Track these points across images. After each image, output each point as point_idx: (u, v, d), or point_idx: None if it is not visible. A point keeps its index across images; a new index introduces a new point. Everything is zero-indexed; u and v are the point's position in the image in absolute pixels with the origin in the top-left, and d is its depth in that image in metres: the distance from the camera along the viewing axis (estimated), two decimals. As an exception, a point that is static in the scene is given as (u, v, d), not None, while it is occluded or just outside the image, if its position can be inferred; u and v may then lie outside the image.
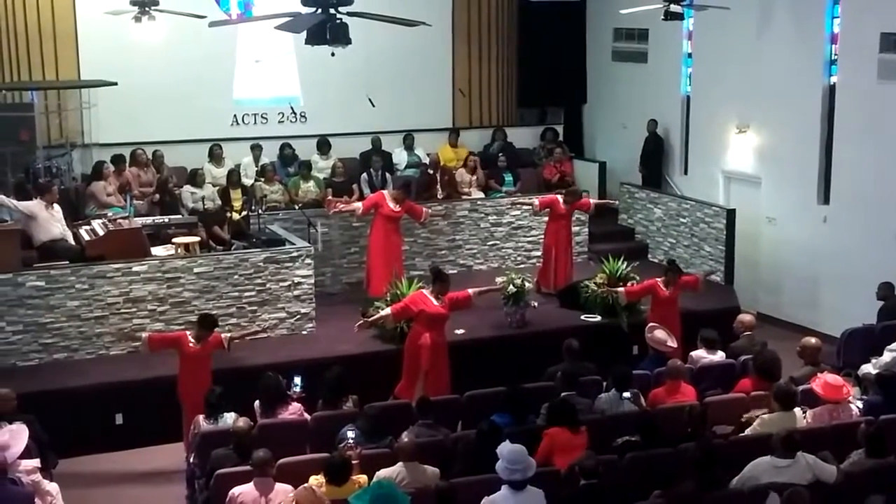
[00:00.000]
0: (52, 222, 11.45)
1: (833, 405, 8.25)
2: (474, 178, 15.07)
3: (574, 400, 8.41)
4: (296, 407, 8.62)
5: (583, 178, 16.03)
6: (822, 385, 8.30)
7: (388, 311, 10.11)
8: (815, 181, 13.14)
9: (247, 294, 11.24)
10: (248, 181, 14.33)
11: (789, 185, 13.49)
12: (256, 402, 8.62)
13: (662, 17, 13.15)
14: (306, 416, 8.62)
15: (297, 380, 8.89)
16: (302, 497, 6.66)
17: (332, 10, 9.26)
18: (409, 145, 15.83)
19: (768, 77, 13.58)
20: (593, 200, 13.50)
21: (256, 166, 14.65)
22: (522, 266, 13.78)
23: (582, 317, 11.91)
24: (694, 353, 9.87)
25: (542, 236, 13.22)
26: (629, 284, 11.59)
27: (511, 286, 11.47)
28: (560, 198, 12.76)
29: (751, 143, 14.06)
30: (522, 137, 16.75)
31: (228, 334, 9.77)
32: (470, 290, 10.22)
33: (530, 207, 13.30)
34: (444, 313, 10.02)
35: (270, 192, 13.91)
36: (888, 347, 9.64)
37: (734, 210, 13.55)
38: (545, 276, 12.75)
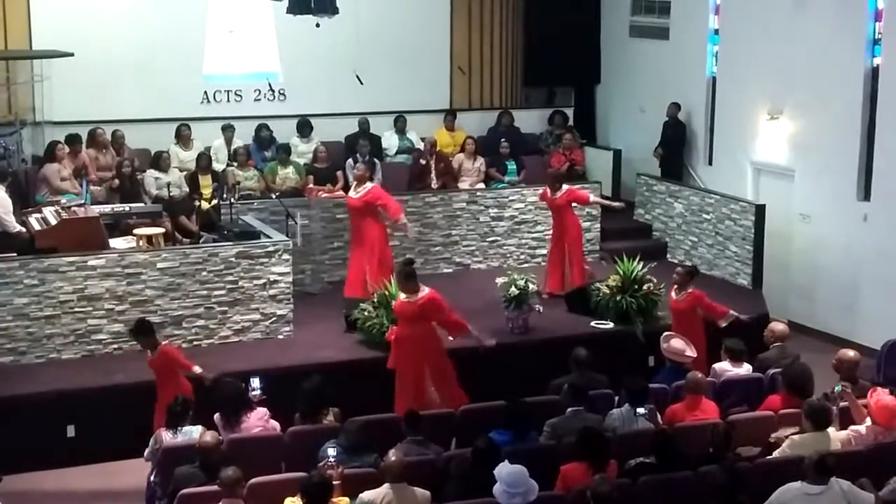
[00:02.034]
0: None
1: (882, 429, 8.24)
2: (476, 164, 15.06)
3: (583, 416, 8.44)
4: (261, 412, 8.67)
5: (595, 168, 16.05)
6: (879, 406, 8.24)
7: None
8: (854, 174, 13.15)
9: (216, 293, 11.23)
10: (219, 166, 14.33)
11: (826, 178, 13.50)
12: (216, 415, 8.62)
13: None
14: (273, 423, 8.67)
15: (256, 382, 8.92)
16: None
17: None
18: (400, 128, 15.82)
19: (804, 58, 13.59)
20: (594, 197, 13.42)
21: (229, 149, 14.64)
22: (526, 265, 13.79)
23: (592, 323, 11.94)
24: (717, 366, 9.89)
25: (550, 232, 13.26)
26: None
27: (513, 288, 11.49)
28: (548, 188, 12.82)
29: (783, 131, 14.07)
30: (528, 121, 16.73)
31: (198, 370, 9.44)
32: (456, 317, 10.22)
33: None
34: (403, 309, 10.05)
35: (244, 179, 13.91)
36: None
37: (764, 206, 13.56)
38: (545, 277, 12.76)
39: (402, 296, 10.10)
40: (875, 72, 12.98)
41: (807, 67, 13.57)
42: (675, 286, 10.81)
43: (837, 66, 13.23)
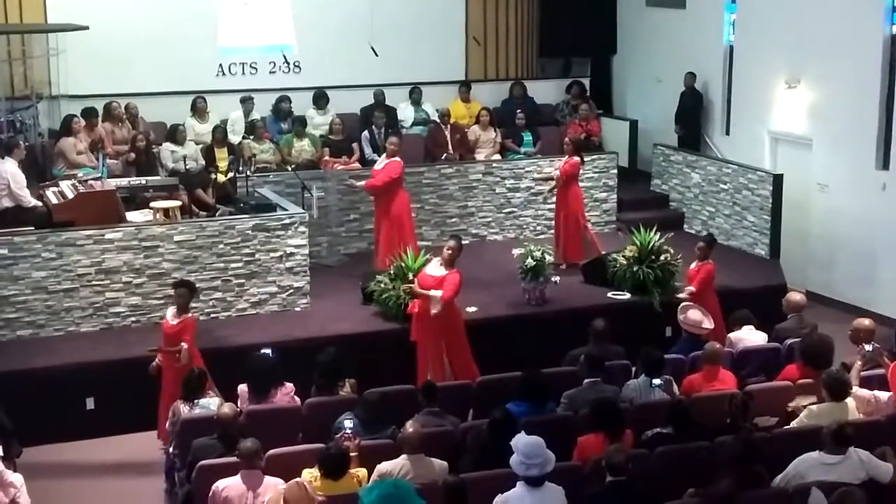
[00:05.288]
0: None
1: None
2: (492, 136, 15.00)
3: (600, 387, 8.43)
4: (288, 387, 8.71)
5: (612, 138, 16.00)
6: None
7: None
8: (873, 143, 13.05)
9: (233, 266, 11.25)
10: (235, 138, 14.31)
11: (844, 147, 13.41)
12: (242, 387, 8.64)
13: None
14: (298, 400, 8.68)
15: (267, 353, 8.97)
16: (291, 493, 6.67)
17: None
18: (416, 100, 15.78)
19: (822, 25, 13.47)
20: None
21: (247, 121, 14.60)
22: (542, 237, 13.75)
23: (609, 294, 11.91)
24: (732, 335, 9.87)
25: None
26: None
27: (529, 259, 11.47)
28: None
29: (801, 100, 13.97)
30: (544, 92, 16.67)
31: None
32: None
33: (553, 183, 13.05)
34: (426, 282, 10.03)
35: (260, 152, 13.90)
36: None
37: (781, 175, 13.50)
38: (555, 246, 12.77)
39: (428, 269, 10.05)
40: (894, 39, 12.86)
41: (825, 35, 13.45)
42: (698, 259, 10.81)
43: (856, 33, 13.11)
